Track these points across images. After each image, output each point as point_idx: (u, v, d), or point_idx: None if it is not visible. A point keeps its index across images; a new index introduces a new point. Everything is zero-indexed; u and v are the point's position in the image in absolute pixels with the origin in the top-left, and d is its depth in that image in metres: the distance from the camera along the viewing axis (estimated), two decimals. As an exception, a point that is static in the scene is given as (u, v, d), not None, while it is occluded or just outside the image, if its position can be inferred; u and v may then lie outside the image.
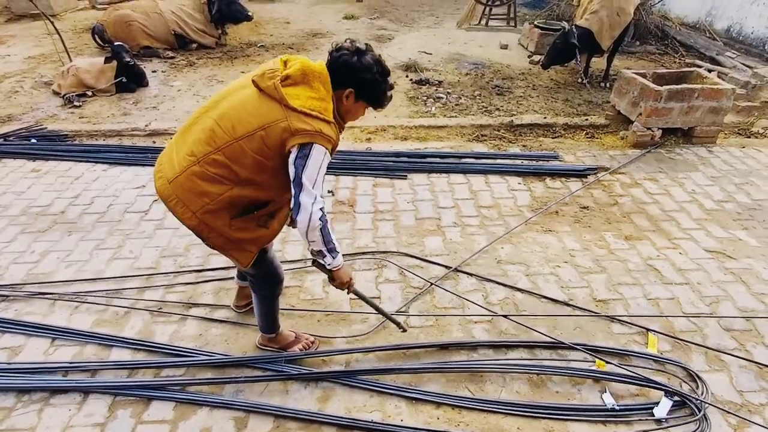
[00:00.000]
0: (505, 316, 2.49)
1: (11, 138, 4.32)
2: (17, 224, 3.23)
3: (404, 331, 2.28)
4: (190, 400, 2.09)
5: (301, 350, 2.22)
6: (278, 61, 1.66)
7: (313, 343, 2.23)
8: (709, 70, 5.86)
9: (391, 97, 1.75)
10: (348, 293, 1.96)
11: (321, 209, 1.55)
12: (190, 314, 2.54)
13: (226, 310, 2.57)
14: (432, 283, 2.73)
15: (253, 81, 1.61)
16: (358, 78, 1.62)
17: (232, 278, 2.57)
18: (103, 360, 2.29)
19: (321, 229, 1.55)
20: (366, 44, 1.68)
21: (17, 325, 2.44)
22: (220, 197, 1.60)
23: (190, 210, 1.62)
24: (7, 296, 2.63)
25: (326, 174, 1.65)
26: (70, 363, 2.26)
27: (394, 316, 2.30)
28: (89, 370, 2.23)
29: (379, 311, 2.24)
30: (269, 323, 2.12)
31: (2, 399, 2.10)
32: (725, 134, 4.57)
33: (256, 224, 1.72)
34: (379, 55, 1.68)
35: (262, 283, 2.02)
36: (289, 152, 1.57)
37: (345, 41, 1.71)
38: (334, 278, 1.82)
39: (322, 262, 1.74)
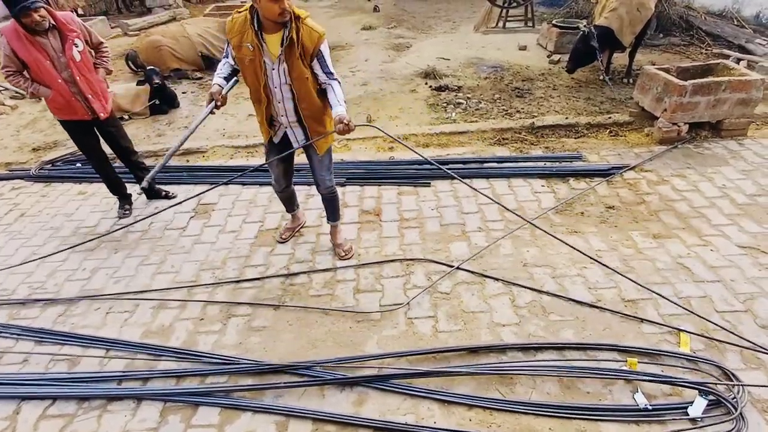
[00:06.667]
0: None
1: (58, 163, 4.64)
2: (69, 244, 3.47)
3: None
4: (234, 406, 2.22)
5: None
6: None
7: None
8: (738, 60, 5.71)
9: None
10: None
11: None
12: (229, 324, 2.69)
13: (263, 318, 2.71)
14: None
15: None
16: None
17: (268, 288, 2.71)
18: (152, 369, 2.46)
19: None
20: None
21: (75, 337, 2.65)
22: None
23: None
24: (65, 310, 2.85)
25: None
26: (123, 372, 2.43)
27: None
28: (141, 379, 2.40)
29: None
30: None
31: (65, 406, 2.29)
32: (757, 125, 4.45)
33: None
34: None
35: None
36: None
37: None
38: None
39: None
